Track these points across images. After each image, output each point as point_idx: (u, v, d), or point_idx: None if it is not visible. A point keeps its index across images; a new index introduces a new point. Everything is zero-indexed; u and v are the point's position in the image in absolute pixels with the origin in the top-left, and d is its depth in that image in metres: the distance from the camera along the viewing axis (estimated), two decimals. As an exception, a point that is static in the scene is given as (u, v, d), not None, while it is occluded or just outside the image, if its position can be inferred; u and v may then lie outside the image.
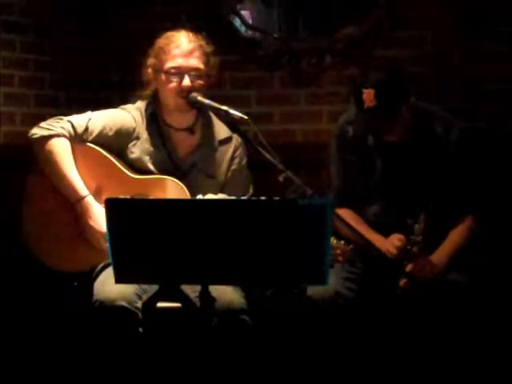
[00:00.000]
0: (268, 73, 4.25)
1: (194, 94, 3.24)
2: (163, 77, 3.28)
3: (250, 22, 4.25)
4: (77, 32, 4.32)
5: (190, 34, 3.30)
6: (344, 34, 4.14)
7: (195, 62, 3.26)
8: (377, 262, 3.25)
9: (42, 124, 3.27)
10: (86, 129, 3.27)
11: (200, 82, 3.27)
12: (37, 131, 3.26)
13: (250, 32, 4.23)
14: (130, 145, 3.32)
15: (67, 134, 3.24)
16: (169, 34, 3.32)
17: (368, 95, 3.18)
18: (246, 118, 3.08)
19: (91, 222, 3.20)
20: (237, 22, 4.23)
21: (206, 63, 3.30)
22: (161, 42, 3.31)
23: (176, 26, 3.37)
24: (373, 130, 3.34)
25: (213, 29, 4.17)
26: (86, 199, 3.22)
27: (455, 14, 4.00)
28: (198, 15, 4.20)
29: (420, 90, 3.47)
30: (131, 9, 4.31)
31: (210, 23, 4.17)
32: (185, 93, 3.24)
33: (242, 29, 4.23)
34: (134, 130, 3.33)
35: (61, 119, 3.28)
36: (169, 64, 3.26)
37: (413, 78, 3.35)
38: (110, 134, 3.30)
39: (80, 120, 3.29)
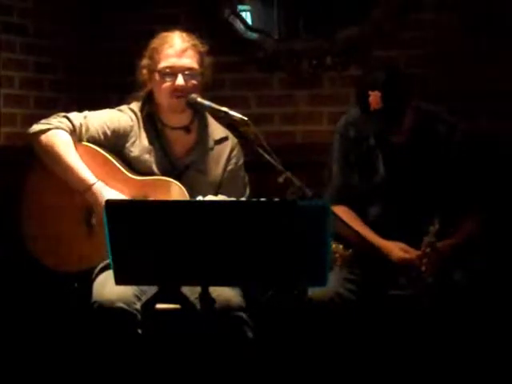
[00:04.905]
0: (268, 74, 4.24)
1: (193, 96, 3.23)
2: (157, 77, 3.28)
3: (250, 22, 4.26)
4: (77, 33, 4.32)
5: (184, 34, 3.30)
6: (344, 35, 4.14)
7: (188, 61, 3.26)
8: (375, 266, 3.25)
9: (41, 121, 3.27)
10: (83, 125, 3.27)
11: (193, 81, 3.26)
12: (35, 127, 3.26)
13: (249, 33, 4.23)
14: (128, 144, 3.31)
15: (66, 128, 3.24)
16: (162, 34, 3.32)
17: (374, 97, 3.17)
18: (245, 119, 3.07)
19: None
20: (236, 23, 4.23)
21: (200, 63, 3.29)
22: (154, 42, 3.32)
23: (169, 26, 3.38)
24: (378, 131, 3.34)
25: (213, 30, 4.19)
26: (96, 185, 3.18)
27: (456, 15, 4.00)
28: (198, 16, 4.20)
29: (421, 91, 3.47)
30: (131, 10, 4.31)
31: (209, 24, 4.18)
32: (178, 92, 3.24)
33: (242, 30, 4.23)
34: (132, 129, 3.32)
35: (58, 115, 3.28)
36: (162, 64, 3.26)
37: (414, 79, 3.35)
38: (108, 132, 3.29)
39: (77, 116, 3.29)
